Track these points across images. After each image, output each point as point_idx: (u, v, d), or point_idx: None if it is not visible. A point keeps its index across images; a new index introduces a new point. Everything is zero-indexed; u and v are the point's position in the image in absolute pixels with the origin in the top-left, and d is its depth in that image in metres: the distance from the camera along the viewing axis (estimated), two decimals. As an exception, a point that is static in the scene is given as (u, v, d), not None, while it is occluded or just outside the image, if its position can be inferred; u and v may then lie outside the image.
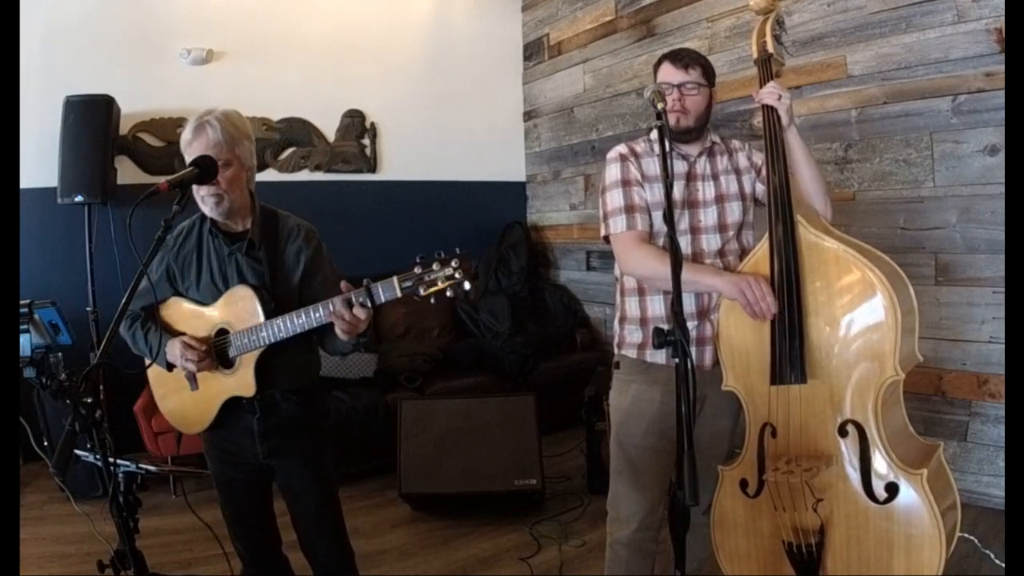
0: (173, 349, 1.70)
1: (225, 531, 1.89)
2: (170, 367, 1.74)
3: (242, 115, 1.75)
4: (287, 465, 1.79)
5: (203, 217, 1.74)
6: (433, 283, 1.38)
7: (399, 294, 1.43)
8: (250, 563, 1.88)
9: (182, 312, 1.77)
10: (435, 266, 1.40)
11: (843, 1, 3.11)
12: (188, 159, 1.62)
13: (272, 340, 1.61)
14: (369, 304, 1.48)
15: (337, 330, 1.54)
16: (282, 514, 1.89)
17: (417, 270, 1.41)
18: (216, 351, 1.71)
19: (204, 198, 1.65)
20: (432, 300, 1.41)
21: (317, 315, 1.56)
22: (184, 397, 1.78)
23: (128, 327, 1.79)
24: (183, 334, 1.73)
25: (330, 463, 1.87)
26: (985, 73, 2.66)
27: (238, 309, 1.67)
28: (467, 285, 1.39)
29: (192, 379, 1.75)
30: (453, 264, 1.38)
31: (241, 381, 1.68)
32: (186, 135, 1.66)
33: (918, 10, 2.85)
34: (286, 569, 1.95)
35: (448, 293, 1.39)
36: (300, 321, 1.57)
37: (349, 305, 1.50)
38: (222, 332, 1.71)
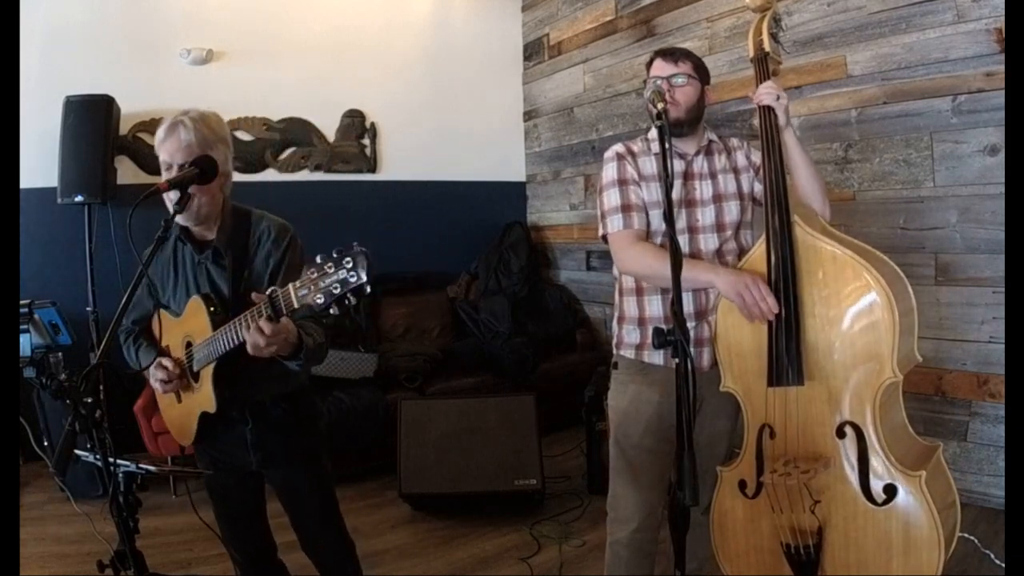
0: (151, 369, 1.64)
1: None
2: None
3: (220, 117, 1.65)
4: (283, 471, 1.76)
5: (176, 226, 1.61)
6: (329, 290, 1.18)
7: (296, 305, 1.24)
8: (246, 569, 1.86)
9: (165, 325, 1.68)
10: (328, 267, 1.18)
11: (843, 1, 3.11)
12: (161, 159, 1.57)
13: (217, 355, 1.49)
14: (272, 316, 1.32)
15: (248, 347, 1.38)
16: (277, 515, 1.86)
17: (312, 273, 1.21)
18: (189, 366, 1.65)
19: (171, 203, 1.52)
20: (333, 311, 1.21)
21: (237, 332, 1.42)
22: (175, 410, 1.75)
23: (123, 341, 1.77)
24: (167, 347, 1.69)
25: (327, 463, 1.83)
26: (985, 73, 2.66)
27: (196, 321, 1.59)
28: (367, 289, 1.17)
29: (176, 393, 1.70)
30: (346, 264, 1.15)
31: (204, 397, 1.60)
32: (159, 134, 1.57)
33: (918, 10, 2.85)
34: (283, 574, 1.94)
35: (351, 300, 1.18)
36: (231, 335, 1.44)
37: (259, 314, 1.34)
38: (190, 346, 1.63)
